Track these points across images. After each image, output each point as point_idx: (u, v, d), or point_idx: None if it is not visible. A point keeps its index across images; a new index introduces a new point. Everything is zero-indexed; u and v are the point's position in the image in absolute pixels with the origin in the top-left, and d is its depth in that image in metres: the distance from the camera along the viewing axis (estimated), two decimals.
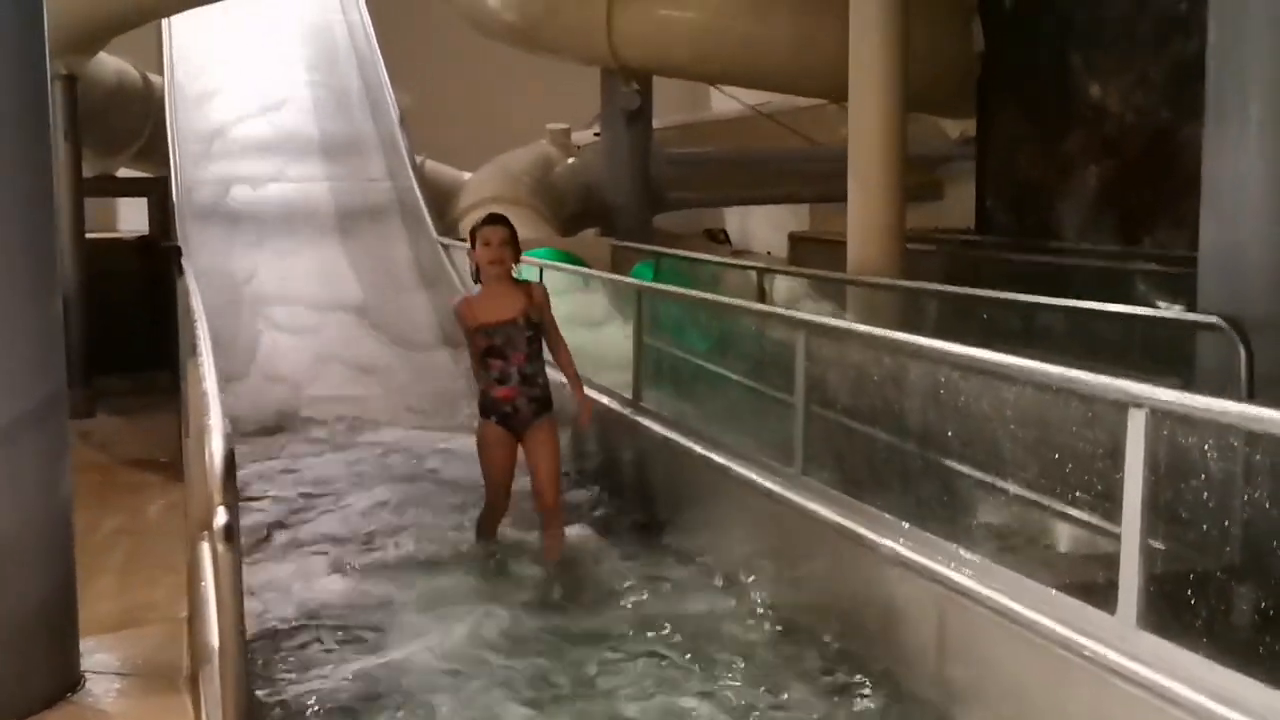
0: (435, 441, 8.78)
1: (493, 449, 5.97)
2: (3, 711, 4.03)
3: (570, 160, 15.89)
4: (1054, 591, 3.83)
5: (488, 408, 5.96)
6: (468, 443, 6.55)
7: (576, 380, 6.10)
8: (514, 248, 5.94)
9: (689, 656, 4.83)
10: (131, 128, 14.88)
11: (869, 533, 4.76)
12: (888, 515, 4.77)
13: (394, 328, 10.82)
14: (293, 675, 4.90)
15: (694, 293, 7.52)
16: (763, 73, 13.54)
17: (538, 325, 5.92)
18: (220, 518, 2.72)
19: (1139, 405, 3.47)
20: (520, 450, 6.02)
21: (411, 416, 9.55)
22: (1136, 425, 3.46)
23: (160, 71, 14.03)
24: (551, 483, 5.96)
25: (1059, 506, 4.85)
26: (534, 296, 5.95)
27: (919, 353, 4.94)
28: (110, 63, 14.10)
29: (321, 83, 14.01)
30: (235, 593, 2.73)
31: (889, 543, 4.62)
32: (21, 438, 4.18)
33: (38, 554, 4.24)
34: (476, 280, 6.02)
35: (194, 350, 4.81)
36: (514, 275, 5.98)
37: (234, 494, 2.81)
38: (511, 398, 5.90)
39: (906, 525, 4.62)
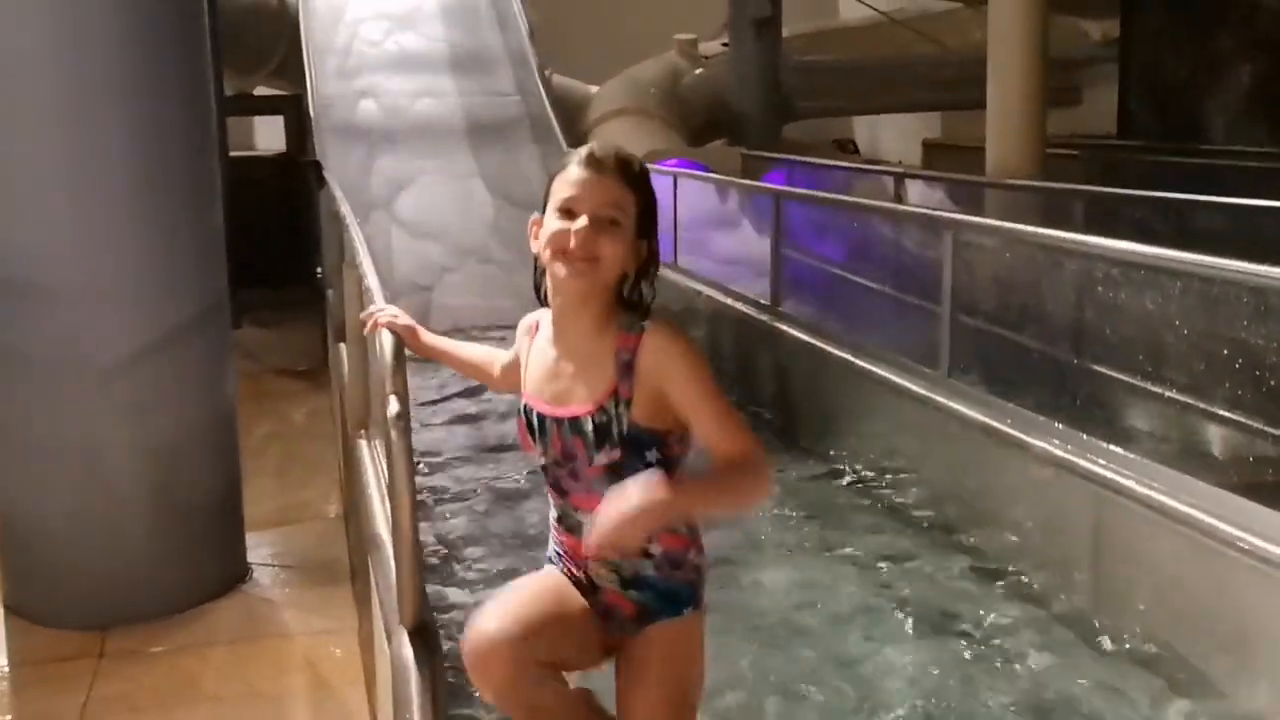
0: None
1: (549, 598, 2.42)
2: (183, 597, 4.23)
3: (698, 71, 15.73)
4: (1220, 490, 3.74)
5: (551, 544, 2.56)
6: None
7: (705, 490, 2.27)
8: (631, 226, 2.29)
9: (842, 558, 4.84)
10: (267, 46, 15.12)
11: (1021, 434, 4.69)
12: (1040, 417, 4.69)
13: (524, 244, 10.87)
14: None
15: (833, 195, 7.41)
16: None
17: (645, 438, 2.28)
18: (393, 406, 2.77)
19: None
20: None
21: None
22: None
23: None
24: None
25: (1216, 408, 4.72)
26: (643, 362, 2.26)
27: (1080, 250, 4.81)
28: None
29: None
30: (408, 478, 2.79)
31: (1042, 444, 4.55)
32: (190, 340, 4.34)
33: (208, 451, 4.42)
34: (540, 296, 2.45)
35: (347, 253, 4.91)
36: (615, 294, 2.33)
37: (404, 383, 2.86)
38: (578, 559, 2.45)
39: (1060, 426, 4.54)
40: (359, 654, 3.99)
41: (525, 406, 2.42)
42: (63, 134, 4.06)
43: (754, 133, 14.36)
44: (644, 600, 2.38)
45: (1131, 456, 4.16)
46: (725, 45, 15.84)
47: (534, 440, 2.40)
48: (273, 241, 11.56)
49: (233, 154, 11.29)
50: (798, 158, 11.99)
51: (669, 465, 2.28)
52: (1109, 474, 4.14)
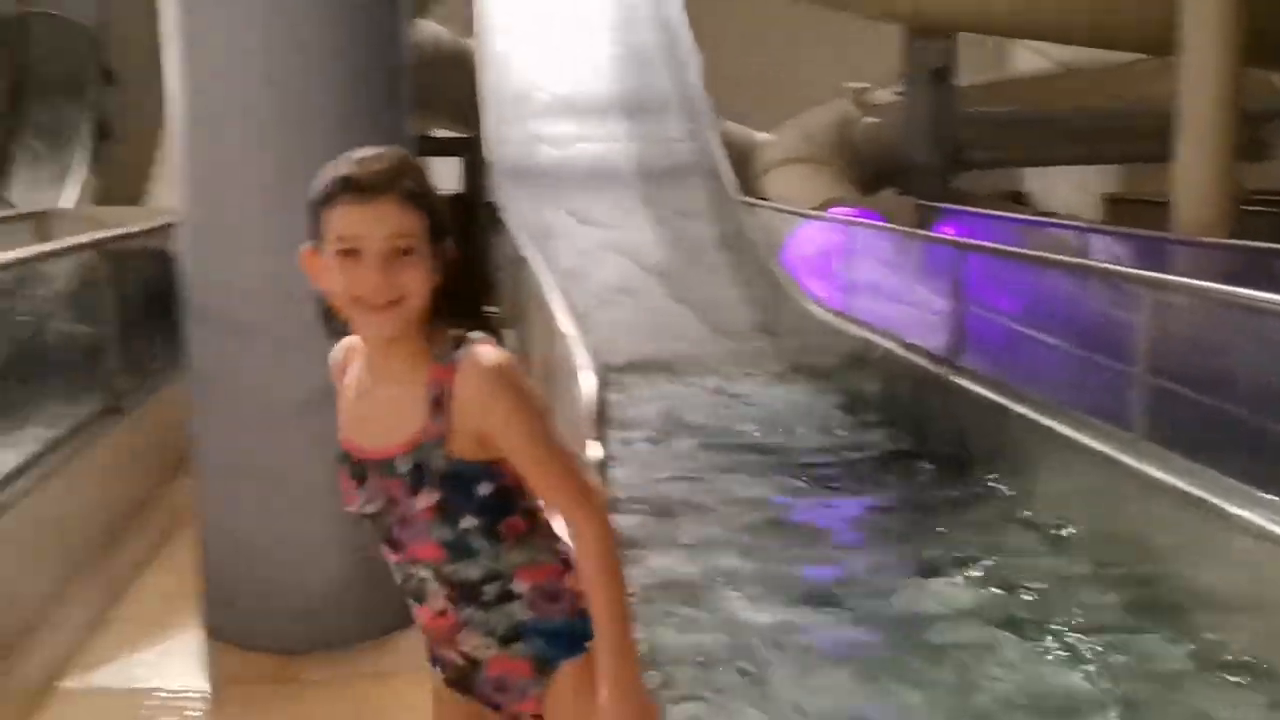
0: None
1: None
2: (374, 625, 4.30)
3: (869, 120, 15.67)
4: None
5: (424, 643, 2.13)
6: None
7: (609, 621, 1.90)
8: (424, 243, 1.91)
9: (1034, 626, 4.70)
10: (443, 88, 15.52)
11: (1222, 502, 4.49)
12: (1244, 484, 4.49)
13: (696, 294, 10.92)
14: None
15: (1024, 251, 7.23)
16: (1076, 26, 12.95)
17: (469, 471, 1.93)
18: (596, 450, 2.81)
19: None
20: None
21: None
22: None
23: (469, 35, 14.58)
24: None
25: None
26: (458, 398, 1.90)
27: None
28: (427, 27, 14.75)
29: (623, 43, 14.23)
30: None
31: (1245, 513, 4.35)
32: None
33: None
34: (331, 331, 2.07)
35: (534, 295, 4.98)
36: (427, 317, 1.96)
37: (605, 427, 2.89)
38: (442, 635, 2.02)
39: (1268, 496, 4.33)
40: None
41: (342, 452, 2.02)
42: (275, 168, 4.18)
43: (924, 183, 14.23)
44: (533, 651, 1.99)
45: None
46: (898, 94, 15.74)
47: (353, 484, 2.00)
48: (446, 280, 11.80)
49: None
50: (976, 210, 11.79)
51: (508, 493, 1.94)
52: None
